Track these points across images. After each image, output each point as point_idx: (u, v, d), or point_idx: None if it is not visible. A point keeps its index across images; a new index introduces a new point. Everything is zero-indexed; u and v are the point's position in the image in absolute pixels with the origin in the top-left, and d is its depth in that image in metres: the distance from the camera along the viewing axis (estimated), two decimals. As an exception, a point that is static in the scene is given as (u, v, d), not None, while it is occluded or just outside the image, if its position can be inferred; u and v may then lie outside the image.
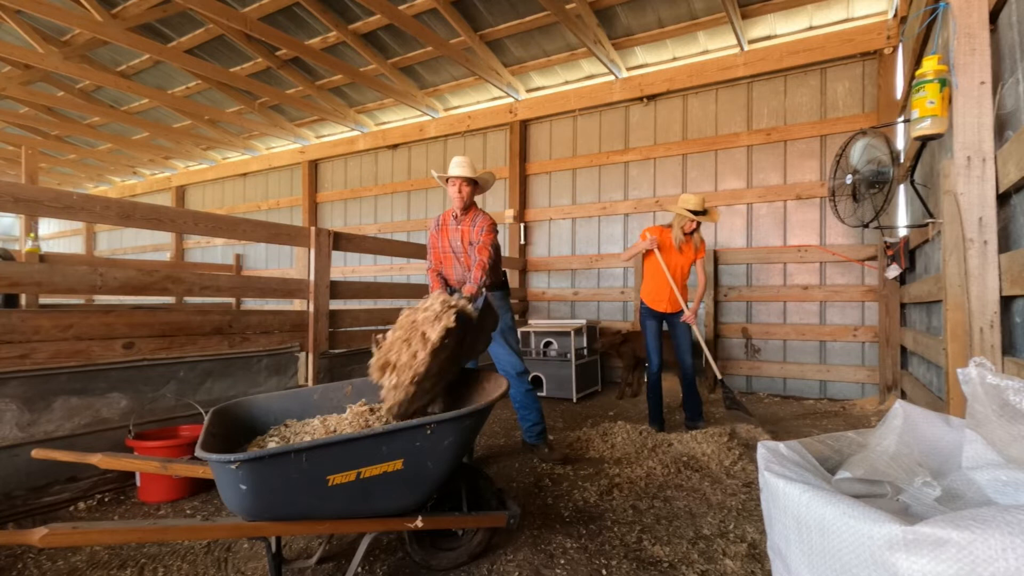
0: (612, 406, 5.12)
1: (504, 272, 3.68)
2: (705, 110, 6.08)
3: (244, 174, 10.30)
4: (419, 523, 1.87)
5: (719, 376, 4.14)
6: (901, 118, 4.32)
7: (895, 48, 5.00)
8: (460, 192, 3.29)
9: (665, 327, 4.17)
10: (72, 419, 2.71)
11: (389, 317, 4.68)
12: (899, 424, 1.49)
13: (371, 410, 2.15)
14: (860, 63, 5.30)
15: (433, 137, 7.95)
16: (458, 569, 2.07)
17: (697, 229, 4.01)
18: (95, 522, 1.74)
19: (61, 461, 1.81)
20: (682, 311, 4.06)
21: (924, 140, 2.94)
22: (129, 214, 2.95)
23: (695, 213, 3.86)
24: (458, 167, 3.27)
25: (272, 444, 1.91)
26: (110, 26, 5.59)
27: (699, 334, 4.20)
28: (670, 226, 4.05)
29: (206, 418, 1.86)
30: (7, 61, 6.81)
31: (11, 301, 4.40)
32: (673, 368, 5.13)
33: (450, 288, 3.41)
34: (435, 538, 2.08)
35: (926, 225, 3.42)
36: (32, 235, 6.42)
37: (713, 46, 5.86)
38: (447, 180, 3.33)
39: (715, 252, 5.83)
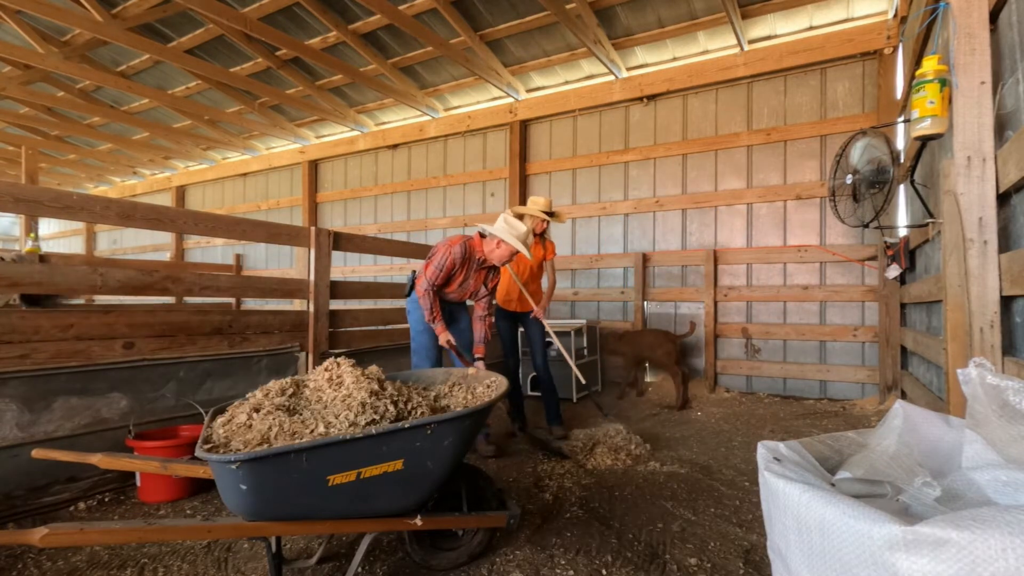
0: (612, 406, 5.12)
1: None
2: (705, 110, 6.08)
3: (244, 174, 10.30)
4: (419, 523, 1.87)
5: (582, 380, 4.11)
6: (901, 118, 4.32)
7: (895, 48, 5.00)
8: (511, 259, 3.26)
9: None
10: (72, 419, 2.71)
11: (389, 317, 4.68)
12: (899, 424, 1.49)
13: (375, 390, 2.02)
14: (860, 63, 5.30)
15: (433, 137, 7.95)
16: (458, 569, 2.07)
17: (546, 230, 4.14)
18: (95, 522, 1.74)
19: (61, 461, 1.81)
20: (532, 310, 4.11)
21: (924, 140, 2.94)
22: (129, 214, 2.95)
23: (546, 215, 4.01)
24: (522, 242, 3.13)
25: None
26: (110, 26, 5.59)
27: (552, 334, 4.19)
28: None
29: (206, 418, 1.85)
30: (7, 61, 6.81)
31: (35, 300, 4.41)
32: (663, 369, 5.16)
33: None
34: (435, 538, 2.08)
35: (926, 225, 3.42)
36: (32, 235, 6.43)
37: (713, 46, 5.86)
38: (496, 240, 3.17)
39: (715, 252, 5.83)
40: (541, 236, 4.16)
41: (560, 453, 3.50)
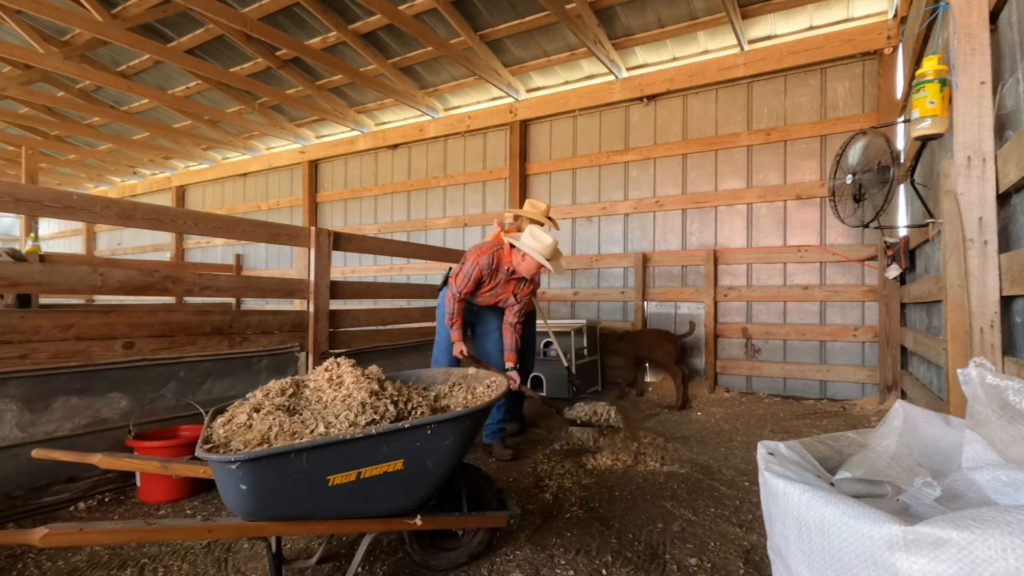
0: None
1: None
2: (705, 110, 6.08)
3: (244, 174, 10.29)
4: (419, 523, 1.87)
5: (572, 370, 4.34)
6: (901, 118, 4.32)
7: (895, 48, 5.00)
8: (537, 272, 3.25)
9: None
10: (72, 419, 2.71)
11: (389, 317, 4.69)
12: (899, 424, 1.49)
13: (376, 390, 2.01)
14: (860, 63, 5.30)
15: (433, 137, 7.95)
16: (458, 569, 2.07)
17: None
18: (95, 522, 1.74)
19: (61, 461, 1.81)
20: (529, 312, 4.08)
21: (924, 140, 2.94)
22: (129, 214, 2.95)
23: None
24: (547, 256, 3.12)
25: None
26: (110, 26, 5.59)
27: (551, 335, 4.38)
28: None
29: (206, 418, 1.86)
30: (7, 61, 6.80)
31: (26, 301, 4.41)
32: (663, 369, 5.15)
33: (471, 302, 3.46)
34: (435, 538, 2.08)
35: (926, 225, 3.42)
36: (32, 235, 6.44)
37: (713, 46, 5.86)
38: (522, 252, 3.16)
39: (715, 252, 5.83)
40: None
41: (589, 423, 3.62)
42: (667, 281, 6.21)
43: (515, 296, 3.39)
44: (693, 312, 6.05)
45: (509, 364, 3.38)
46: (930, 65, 2.60)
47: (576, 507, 2.65)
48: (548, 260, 3.11)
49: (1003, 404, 1.27)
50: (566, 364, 4.27)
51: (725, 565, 2.09)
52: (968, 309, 2.23)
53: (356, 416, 1.78)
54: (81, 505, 2.70)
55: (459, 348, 3.24)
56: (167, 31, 6.34)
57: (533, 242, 3.11)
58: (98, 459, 1.79)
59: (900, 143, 4.58)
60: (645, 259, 6.25)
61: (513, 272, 3.28)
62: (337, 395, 1.90)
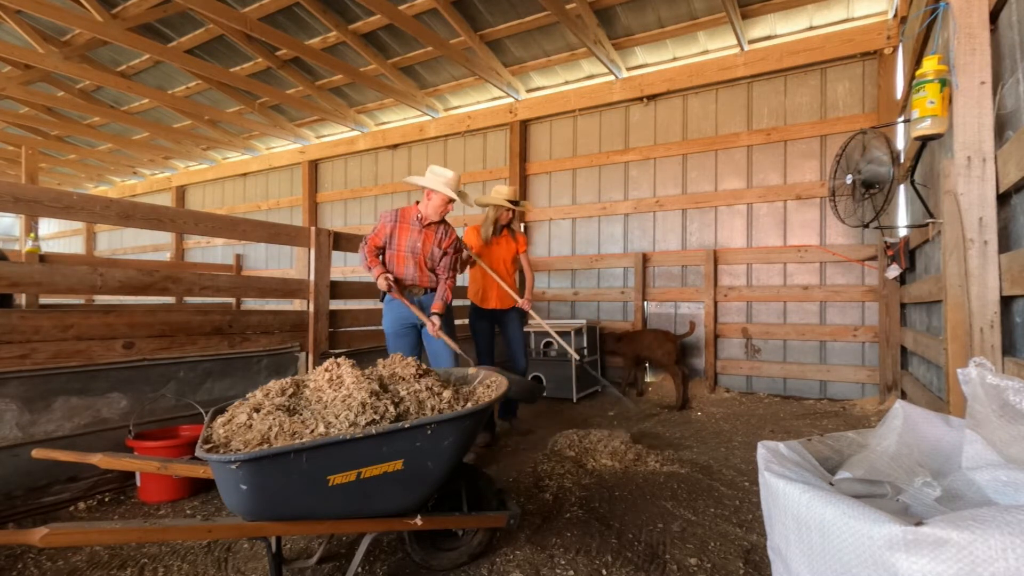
0: (612, 406, 5.12)
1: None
2: (705, 110, 6.08)
3: (244, 174, 10.29)
4: (419, 523, 1.87)
5: (577, 358, 4.43)
6: (901, 118, 4.32)
7: (895, 48, 5.00)
8: (445, 209, 3.31)
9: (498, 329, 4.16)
10: (72, 419, 2.71)
11: (389, 317, 4.67)
12: (899, 424, 1.49)
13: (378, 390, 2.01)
14: (860, 63, 5.30)
15: (433, 137, 7.95)
16: (458, 569, 2.07)
17: (512, 220, 4.06)
18: (95, 522, 1.74)
19: (61, 461, 1.81)
20: (512, 308, 4.01)
21: (924, 140, 2.94)
22: (129, 214, 2.95)
23: (512, 204, 3.91)
24: (451, 187, 3.21)
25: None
26: (110, 26, 5.59)
27: (545, 324, 4.21)
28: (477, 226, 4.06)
29: (206, 418, 1.86)
30: (7, 61, 6.80)
31: (5, 301, 4.37)
32: (663, 369, 5.15)
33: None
34: (435, 538, 2.08)
35: (926, 225, 3.42)
36: (32, 235, 6.43)
37: (713, 46, 5.86)
38: (426, 188, 3.27)
39: (715, 252, 5.83)
40: (508, 228, 4.05)
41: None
42: (667, 281, 6.21)
43: (439, 246, 3.36)
44: (693, 312, 6.05)
45: (434, 311, 3.32)
46: (930, 65, 2.60)
47: (576, 507, 2.65)
48: (453, 191, 3.20)
49: (1003, 404, 1.27)
50: (576, 356, 4.27)
51: (725, 565, 2.09)
52: (968, 309, 2.23)
53: (356, 416, 1.77)
54: (81, 505, 2.70)
55: (383, 282, 3.21)
56: (167, 31, 6.34)
57: (433, 176, 3.24)
58: (98, 459, 1.80)
59: (900, 143, 4.58)
60: (645, 259, 6.25)
61: (423, 218, 3.32)
62: (337, 395, 1.90)
